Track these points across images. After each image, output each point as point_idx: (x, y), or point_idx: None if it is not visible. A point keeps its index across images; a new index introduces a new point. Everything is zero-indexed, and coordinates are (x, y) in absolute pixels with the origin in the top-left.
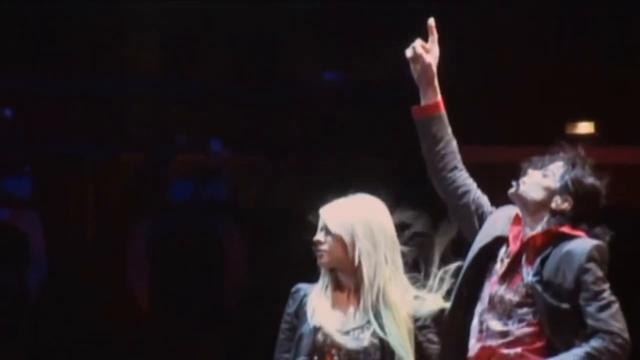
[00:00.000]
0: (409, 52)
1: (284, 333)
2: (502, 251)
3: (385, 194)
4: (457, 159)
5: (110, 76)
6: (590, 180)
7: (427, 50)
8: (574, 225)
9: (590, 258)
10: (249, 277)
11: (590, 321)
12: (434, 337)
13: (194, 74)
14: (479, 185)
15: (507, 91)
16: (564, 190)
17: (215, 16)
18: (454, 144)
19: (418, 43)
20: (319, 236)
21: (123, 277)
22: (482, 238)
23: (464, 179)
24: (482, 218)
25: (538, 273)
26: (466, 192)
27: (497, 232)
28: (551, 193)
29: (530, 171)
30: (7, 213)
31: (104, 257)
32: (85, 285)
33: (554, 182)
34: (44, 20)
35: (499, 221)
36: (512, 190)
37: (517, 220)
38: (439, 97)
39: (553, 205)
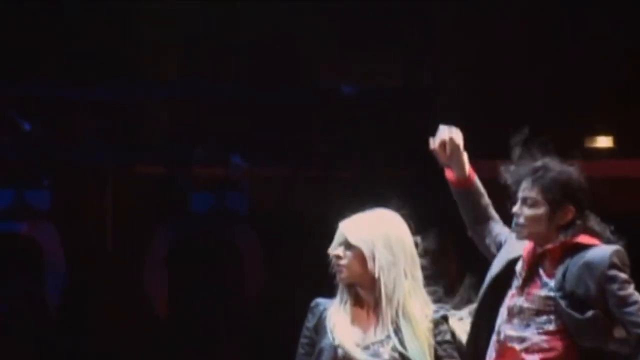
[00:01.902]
0: (430, 144)
1: (303, 348)
2: (519, 266)
3: (402, 206)
4: (488, 213)
5: (130, 86)
6: (564, 175)
7: (443, 145)
8: (586, 226)
9: (611, 265)
10: (267, 286)
11: (630, 328)
12: (453, 352)
13: (215, 85)
14: (493, 200)
15: (524, 104)
16: (557, 205)
17: (236, 26)
18: (484, 201)
19: (436, 141)
20: (338, 251)
21: (142, 286)
22: (497, 264)
23: (489, 223)
24: (500, 247)
25: (561, 288)
26: (488, 234)
27: (511, 254)
28: (550, 216)
29: (515, 209)
30: (24, 226)
31: (123, 266)
32: (104, 294)
33: (542, 207)
34: (63, 30)
35: (514, 245)
36: (518, 237)
37: None
38: (467, 172)
39: (561, 222)
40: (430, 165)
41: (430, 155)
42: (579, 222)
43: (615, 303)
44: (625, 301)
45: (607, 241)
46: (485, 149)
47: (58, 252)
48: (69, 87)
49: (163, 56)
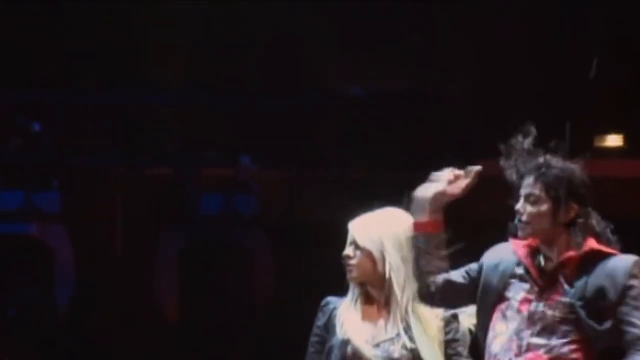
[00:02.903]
0: (441, 174)
1: (313, 346)
2: (521, 270)
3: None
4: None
5: (139, 90)
6: (567, 172)
7: (452, 181)
8: (588, 224)
9: (631, 275)
10: (277, 288)
11: (628, 328)
12: (463, 351)
13: (222, 88)
14: (495, 199)
15: (532, 103)
16: (560, 203)
17: (243, 30)
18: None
19: (455, 171)
20: (348, 251)
21: (151, 290)
22: (493, 281)
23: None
24: (476, 282)
25: (582, 297)
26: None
27: (504, 267)
28: (552, 213)
29: (517, 206)
30: (34, 227)
31: (132, 269)
32: (113, 296)
33: (545, 204)
34: (72, 35)
35: (500, 256)
36: (521, 234)
37: (518, 243)
38: (439, 217)
39: (564, 220)
40: (435, 165)
41: (436, 155)
42: (581, 220)
43: (625, 310)
44: (637, 308)
45: (607, 241)
46: (491, 148)
47: (68, 254)
48: (78, 91)
49: (171, 60)
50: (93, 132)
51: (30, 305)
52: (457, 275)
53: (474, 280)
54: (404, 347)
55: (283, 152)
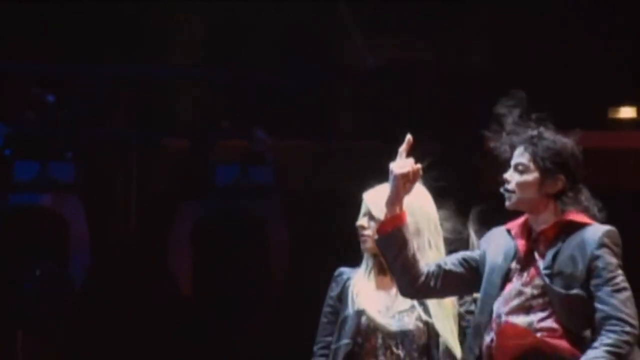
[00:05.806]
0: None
1: (326, 317)
2: (518, 255)
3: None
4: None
5: (154, 61)
6: (557, 144)
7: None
8: (577, 199)
9: (601, 244)
10: (292, 259)
11: (599, 305)
12: None
13: (238, 59)
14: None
15: (548, 75)
16: (547, 173)
17: (260, 2)
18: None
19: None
20: (363, 221)
21: (165, 262)
22: (492, 275)
23: (429, 266)
24: (478, 271)
25: (549, 267)
26: (437, 269)
27: (504, 262)
28: (540, 183)
29: (506, 175)
30: (49, 198)
31: (146, 241)
32: (129, 271)
33: (533, 174)
34: (88, 6)
35: (498, 249)
36: (508, 204)
37: (513, 224)
38: (402, 209)
39: (551, 191)
40: (452, 137)
41: (452, 127)
42: (570, 193)
43: (595, 283)
44: (606, 282)
45: (593, 217)
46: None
47: (82, 225)
48: (94, 63)
49: (188, 32)
50: (108, 103)
51: (45, 277)
52: (455, 265)
53: (475, 269)
54: (419, 318)
55: (299, 123)
